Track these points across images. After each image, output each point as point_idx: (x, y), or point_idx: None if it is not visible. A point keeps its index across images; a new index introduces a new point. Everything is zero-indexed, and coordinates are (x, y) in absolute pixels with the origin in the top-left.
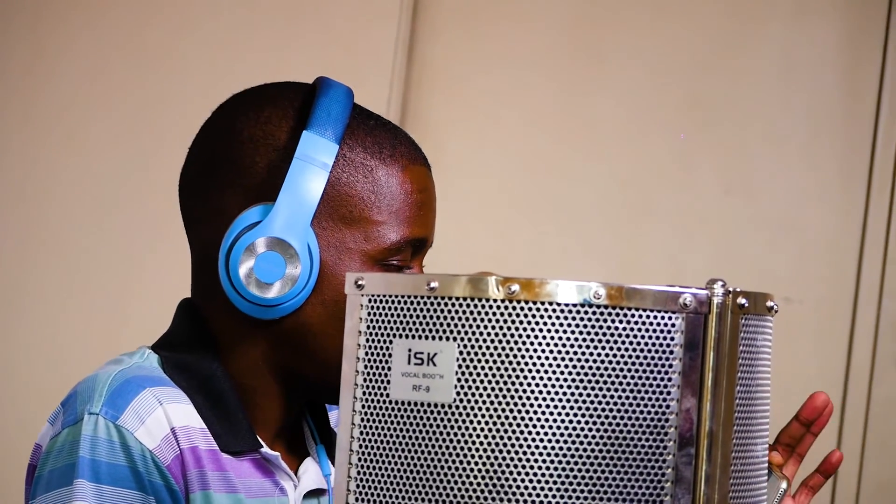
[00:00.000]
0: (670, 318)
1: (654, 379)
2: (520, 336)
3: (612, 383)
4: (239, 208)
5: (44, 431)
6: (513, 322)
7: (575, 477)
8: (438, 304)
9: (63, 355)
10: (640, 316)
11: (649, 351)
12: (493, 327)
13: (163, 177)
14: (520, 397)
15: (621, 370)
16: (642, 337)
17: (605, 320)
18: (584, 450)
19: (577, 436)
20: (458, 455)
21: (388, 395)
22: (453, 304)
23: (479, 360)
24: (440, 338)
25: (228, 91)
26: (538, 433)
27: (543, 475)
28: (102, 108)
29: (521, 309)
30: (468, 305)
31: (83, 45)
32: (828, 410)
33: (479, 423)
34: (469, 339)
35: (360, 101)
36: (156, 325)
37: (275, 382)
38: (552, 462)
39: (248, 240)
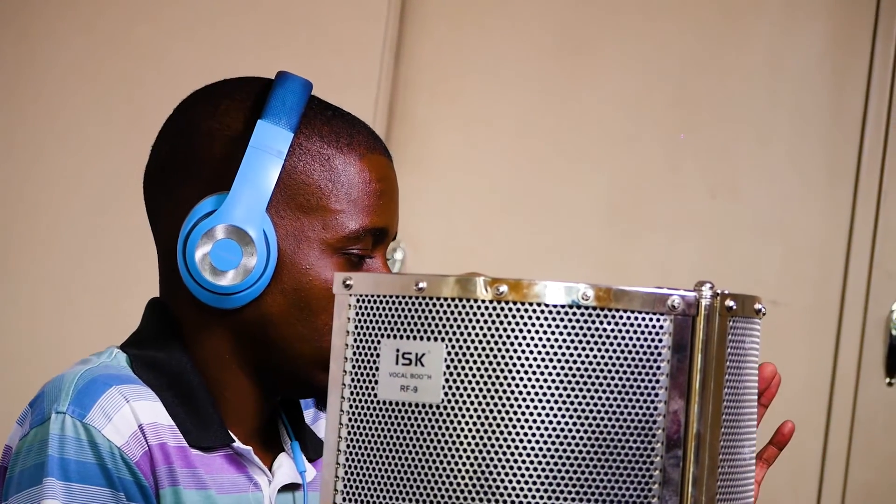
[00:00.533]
0: (658, 320)
1: (642, 381)
2: (508, 337)
3: (600, 385)
4: (197, 199)
5: (13, 433)
6: (501, 323)
7: (563, 478)
8: (426, 304)
9: (55, 354)
10: (628, 318)
11: (637, 353)
12: (482, 328)
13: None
14: (508, 398)
15: (609, 372)
16: (630, 338)
17: (594, 322)
18: (572, 451)
19: (565, 437)
20: (445, 456)
21: (375, 396)
22: (441, 305)
23: (468, 361)
24: (428, 338)
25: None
26: (526, 434)
27: (531, 476)
28: (95, 108)
29: (510, 310)
30: (456, 306)
31: (75, 47)
32: (776, 381)
33: (466, 423)
34: (457, 340)
35: (348, 101)
36: None
37: (243, 376)
38: (540, 463)
39: (203, 228)
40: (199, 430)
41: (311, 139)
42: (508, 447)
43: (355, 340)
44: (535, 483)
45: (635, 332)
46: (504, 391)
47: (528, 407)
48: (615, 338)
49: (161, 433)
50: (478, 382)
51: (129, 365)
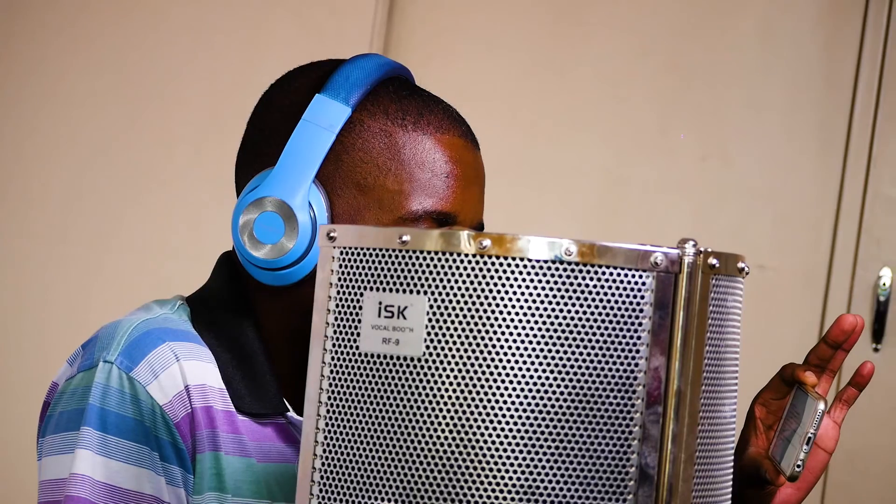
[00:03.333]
0: (641, 277)
1: (624, 337)
2: (490, 291)
3: (582, 340)
4: (256, 173)
5: (62, 371)
6: (484, 277)
7: (542, 433)
8: (410, 257)
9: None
10: (611, 274)
11: (619, 309)
12: (465, 282)
13: (126, 168)
14: (489, 352)
15: (591, 327)
16: (612, 295)
17: (576, 277)
18: (553, 406)
19: (546, 392)
20: (426, 409)
21: (357, 348)
22: (425, 258)
23: (450, 315)
24: (411, 291)
25: (203, 54)
26: (507, 388)
27: (511, 430)
28: (89, 91)
29: (493, 264)
30: (439, 259)
31: (59, 37)
32: (858, 328)
33: (448, 377)
34: (440, 293)
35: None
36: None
37: (296, 354)
38: (520, 418)
39: (247, 199)
40: (253, 396)
41: (374, 116)
42: (489, 401)
43: (338, 292)
44: (514, 437)
45: (617, 288)
46: (485, 345)
47: (508, 361)
48: (597, 294)
49: (209, 396)
50: (459, 336)
51: (190, 320)
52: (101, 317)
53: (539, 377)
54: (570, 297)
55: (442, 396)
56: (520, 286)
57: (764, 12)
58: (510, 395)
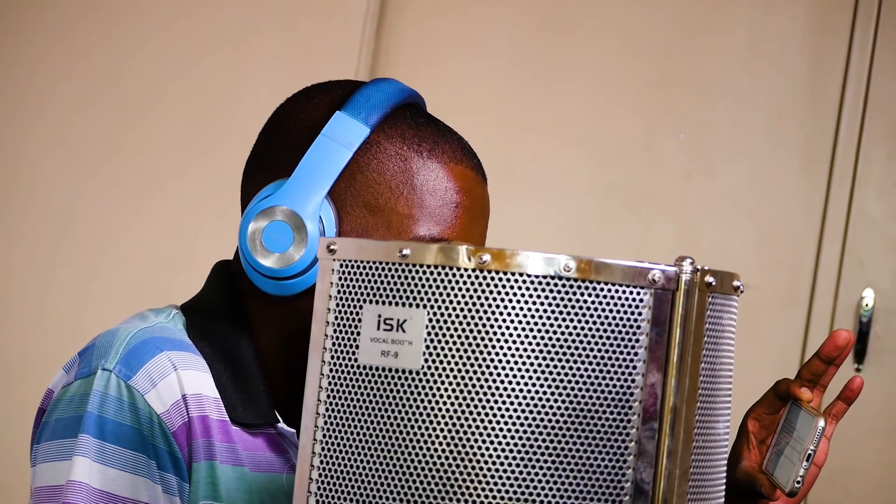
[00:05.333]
0: (638, 294)
1: (621, 353)
2: (489, 306)
3: (579, 356)
4: (268, 183)
5: (57, 378)
6: (482, 292)
7: (539, 447)
8: (409, 271)
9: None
10: (609, 290)
11: (616, 325)
12: (463, 296)
13: (119, 179)
14: (487, 366)
15: (588, 343)
16: (610, 311)
17: (574, 293)
18: (549, 421)
19: (543, 407)
20: (423, 421)
21: (356, 360)
22: (424, 272)
23: (448, 328)
24: (410, 305)
25: (193, 63)
26: (504, 402)
27: (507, 444)
28: (81, 99)
29: (492, 279)
30: (439, 274)
31: (52, 48)
32: (851, 343)
33: (445, 390)
34: (439, 307)
35: (328, 73)
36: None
37: (291, 366)
38: (517, 432)
39: (259, 206)
40: (246, 407)
41: (392, 139)
42: (486, 415)
43: (338, 305)
44: (510, 451)
45: (615, 304)
46: (483, 359)
47: (506, 376)
48: (595, 310)
49: (204, 405)
50: (458, 350)
51: (185, 329)
52: (97, 326)
53: (536, 392)
54: (568, 313)
55: (440, 409)
56: (518, 301)
57: (750, 30)
58: (507, 409)
